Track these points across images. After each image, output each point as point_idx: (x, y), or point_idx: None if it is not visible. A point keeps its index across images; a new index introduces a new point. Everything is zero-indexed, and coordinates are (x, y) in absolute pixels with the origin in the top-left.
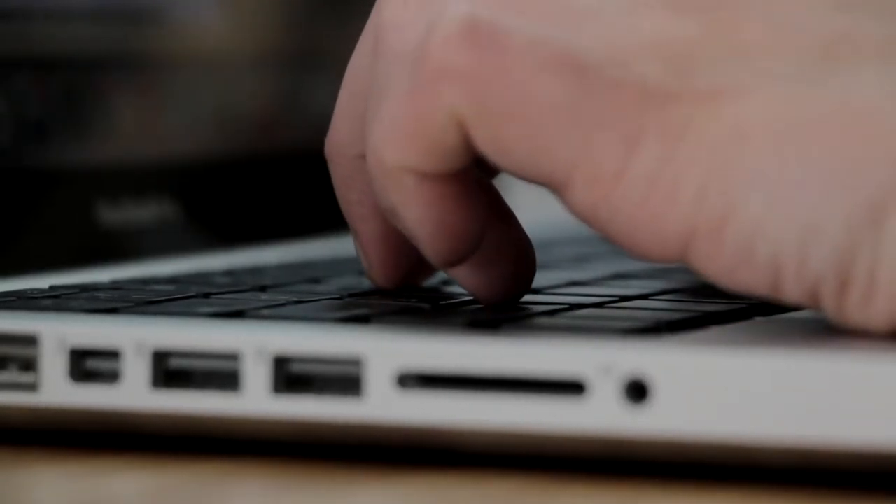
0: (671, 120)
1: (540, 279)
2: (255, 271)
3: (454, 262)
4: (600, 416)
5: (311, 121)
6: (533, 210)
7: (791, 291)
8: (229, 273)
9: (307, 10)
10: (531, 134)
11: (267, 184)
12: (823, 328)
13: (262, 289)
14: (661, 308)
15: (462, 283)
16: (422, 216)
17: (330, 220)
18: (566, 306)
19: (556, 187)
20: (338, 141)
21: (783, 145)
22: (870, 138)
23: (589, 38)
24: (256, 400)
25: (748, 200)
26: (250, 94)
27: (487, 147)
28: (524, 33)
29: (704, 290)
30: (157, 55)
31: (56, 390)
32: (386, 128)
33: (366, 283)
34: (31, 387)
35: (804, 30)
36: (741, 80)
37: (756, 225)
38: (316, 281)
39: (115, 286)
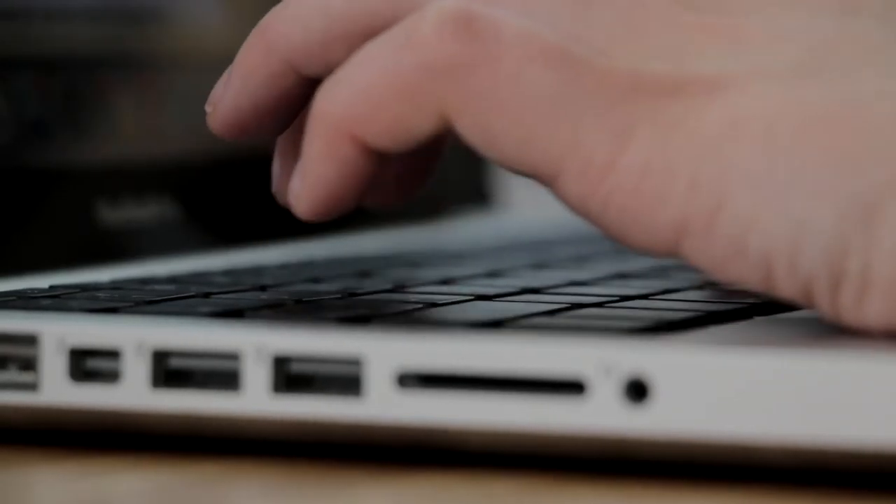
0: (664, 112)
1: (540, 279)
2: (255, 271)
3: (309, 219)
4: (600, 416)
5: None
6: (533, 210)
7: (783, 287)
8: (229, 273)
9: None
10: (520, 125)
11: (267, 184)
12: (823, 328)
13: (262, 289)
14: (661, 308)
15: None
16: (325, 179)
17: (330, 219)
18: (566, 306)
19: (546, 179)
20: (293, 43)
21: (777, 140)
22: (863, 136)
23: (581, 30)
24: (256, 400)
25: (740, 194)
26: None
27: (475, 138)
28: (514, 26)
29: (704, 289)
30: (157, 55)
31: (56, 390)
32: (359, 93)
33: (366, 284)
34: (31, 387)
35: (802, 32)
36: (736, 72)
37: (747, 218)
38: (316, 281)
39: (115, 286)
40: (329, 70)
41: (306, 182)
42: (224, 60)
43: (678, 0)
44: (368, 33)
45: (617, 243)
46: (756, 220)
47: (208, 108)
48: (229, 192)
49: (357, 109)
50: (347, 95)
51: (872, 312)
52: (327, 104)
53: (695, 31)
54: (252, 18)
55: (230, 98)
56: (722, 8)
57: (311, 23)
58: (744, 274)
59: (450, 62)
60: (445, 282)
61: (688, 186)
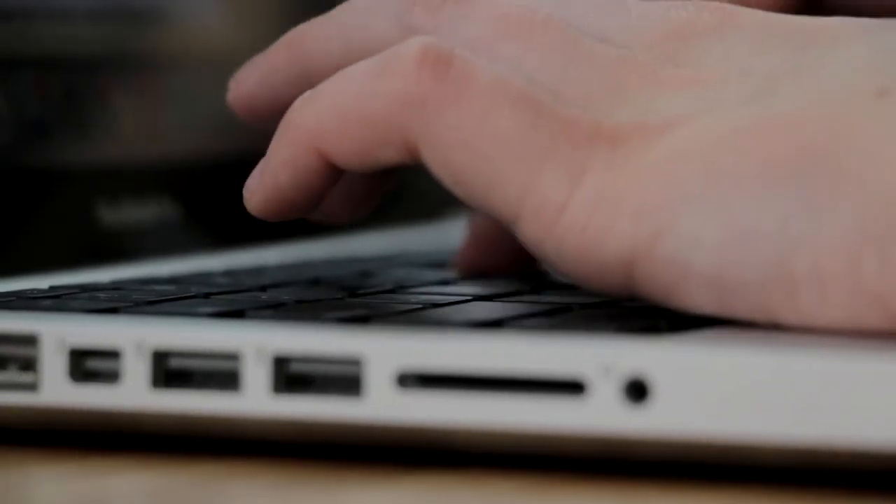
0: (617, 154)
1: (540, 279)
2: (255, 271)
3: (258, 216)
4: (600, 416)
5: None
6: None
7: (740, 305)
8: (229, 273)
9: (307, 10)
10: (481, 166)
11: None
12: (823, 328)
13: (262, 289)
14: (661, 308)
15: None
16: (282, 185)
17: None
18: (566, 306)
19: (508, 221)
20: (314, 60)
21: (716, 162)
22: (800, 144)
23: (560, 86)
24: (256, 400)
25: (682, 214)
26: None
27: (441, 173)
28: (489, 73)
29: None
30: (157, 55)
31: (56, 390)
32: (330, 110)
33: (368, 284)
34: (31, 387)
35: (758, 68)
36: (689, 112)
37: (691, 238)
38: (316, 281)
39: (115, 286)
40: None
41: (263, 182)
42: (224, 60)
43: (661, 56)
44: None
45: (576, 284)
46: (699, 238)
47: (231, 84)
48: (229, 192)
49: (325, 126)
50: (319, 110)
51: (836, 310)
52: (300, 115)
53: (668, 85)
54: (252, 19)
55: (250, 84)
56: (699, 60)
57: (331, 46)
58: (695, 298)
59: (420, 96)
60: (445, 282)
61: (633, 216)
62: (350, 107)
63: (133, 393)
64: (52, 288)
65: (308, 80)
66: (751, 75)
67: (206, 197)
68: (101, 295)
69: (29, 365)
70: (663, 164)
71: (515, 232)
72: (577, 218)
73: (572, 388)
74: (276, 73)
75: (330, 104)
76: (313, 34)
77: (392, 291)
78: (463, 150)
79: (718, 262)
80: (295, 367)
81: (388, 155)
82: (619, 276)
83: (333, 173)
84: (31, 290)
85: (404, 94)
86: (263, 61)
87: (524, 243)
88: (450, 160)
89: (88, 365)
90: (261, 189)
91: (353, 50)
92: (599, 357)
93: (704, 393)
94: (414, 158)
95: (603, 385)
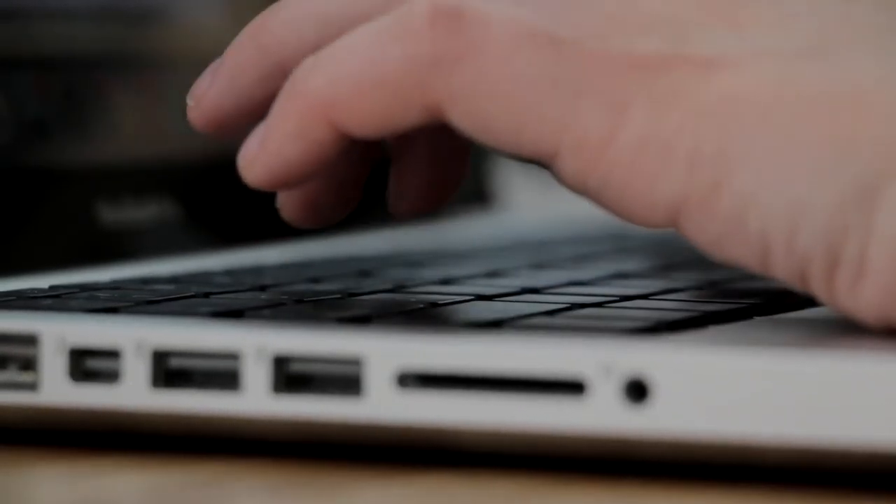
0: (660, 87)
1: (540, 279)
2: (255, 271)
3: (256, 187)
4: (600, 416)
5: None
6: (533, 210)
7: (780, 268)
8: (229, 273)
9: None
10: (513, 109)
11: None
12: (823, 328)
13: (262, 289)
14: (661, 308)
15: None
16: (289, 157)
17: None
18: (566, 306)
19: (544, 160)
20: (287, 47)
21: (775, 120)
22: (862, 120)
23: (576, 15)
24: (256, 400)
25: (740, 171)
26: None
27: (469, 126)
28: (501, 14)
29: (704, 289)
30: (157, 55)
31: (56, 390)
32: (344, 79)
33: (366, 285)
34: (31, 387)
35: (802, 17)
36: (734, 51)
37: (747, 197)
38: (316, 281)
39: (115, 286)
40: None
41: (267, 153)
42: None
43: None
44: None
45: (615, 217)
46: (756, 199)
47: (190, 102)
48: (229, 192)
49: (339, 95)
50: (330, 79)
51: (867, 301)
52: (307, 84)
53: (695, 11)
54: (252, 19)
55: (215, 95)
56: None
57: (306, 29)
58: (741, 253)
59: (438, 55)
60: (445, 282)
61: (686, 162)
62: (366, 73)
63: (133, 393)
64: (52, 288)
65: (282, 73)
66: (797, 19)
67: (206, 197)
68: (101, 295)
69: (29, 365)
70: (717, 108)
71: (552, 171)
72: (625, 154)
73: (572, 388)
74: (244, 74)
75: (343, 72)
76: (281, 19)
77: (392, 291)
78: (490, 99)
79: (769, 224)
80: (295, 367)
81: (409, 118)
82: (663, 216)
83: (344, 143)
84: (31, 290)
85: (422, 54)
86: (226, 64)
87: (561, 181)
88: (476, 111)
89: (88, 365)
90: (263, 160)
91: (331, 28)
92: (599, 357)
93: (704, 393)
94: (435, 118)
95: (603, 385)
